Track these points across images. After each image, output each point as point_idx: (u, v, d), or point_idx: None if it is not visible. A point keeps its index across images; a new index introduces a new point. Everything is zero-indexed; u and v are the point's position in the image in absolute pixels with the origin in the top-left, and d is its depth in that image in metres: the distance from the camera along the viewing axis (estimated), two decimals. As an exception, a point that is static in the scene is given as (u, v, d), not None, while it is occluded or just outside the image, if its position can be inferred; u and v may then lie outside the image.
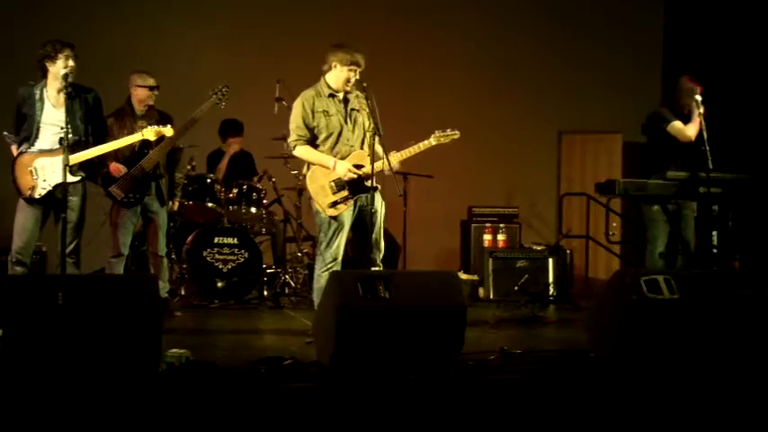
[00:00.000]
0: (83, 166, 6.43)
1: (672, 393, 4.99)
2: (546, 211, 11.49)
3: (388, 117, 6.21)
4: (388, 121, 6.20)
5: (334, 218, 6.23)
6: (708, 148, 6.75)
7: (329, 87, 6.28)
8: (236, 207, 8.43)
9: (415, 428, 4.65)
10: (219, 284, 8.15)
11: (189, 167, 8.37)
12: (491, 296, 8.81)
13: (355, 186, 6.22)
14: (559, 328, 7.32)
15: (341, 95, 6.30)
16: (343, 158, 6.24)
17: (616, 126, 11.27)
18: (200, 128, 7.45)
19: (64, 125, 6.13)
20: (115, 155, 6.98)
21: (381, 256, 6.31)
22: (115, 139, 6.72)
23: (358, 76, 6.22)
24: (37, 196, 6.36)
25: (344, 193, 6.22)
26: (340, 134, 6.27)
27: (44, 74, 6.41)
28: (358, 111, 6.31)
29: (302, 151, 6.29)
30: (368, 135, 6.26)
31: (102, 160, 6.85)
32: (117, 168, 7.06)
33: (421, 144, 6.32)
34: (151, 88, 7.29)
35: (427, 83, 10.86)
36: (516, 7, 11.36)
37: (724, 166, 7.07)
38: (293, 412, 4.59)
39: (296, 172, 8.51)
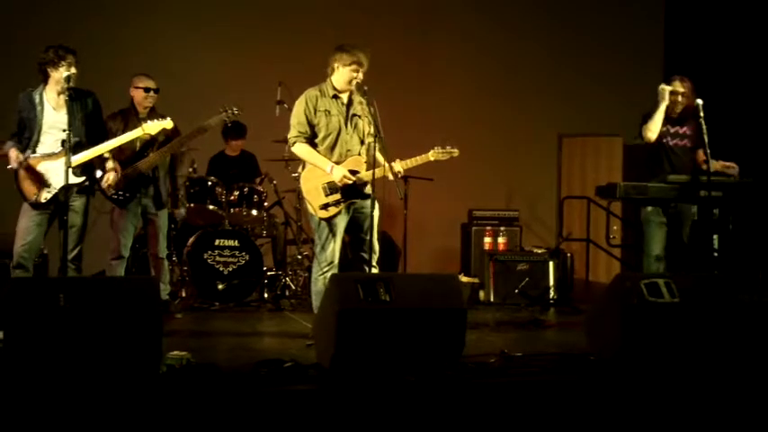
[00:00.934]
0: (84, 170, 6.44)
1: (672, 397, 4.99)
2: (546, 215, 11.49)
3: (387, 120, 6.21)
4: (387, 123, 6.21)
5: (327, 221, 6.25)
6: (708, 150, 6.75)
7: (333, 89, 6.28)
8: (237, 209, 8.44)
9: (415, 431, 4.66)
10: (220, 287, 8.15)
11: (190, 170, 8.38)
12: (491, 299, 8.80)
13: (349, 191, 6.23)
14: (560, 332, 7.33)
15: (344, 98, 6.30)
16: (339, 161, 6.25)
17: (616, 129, 11.27)
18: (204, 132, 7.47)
19: (65, 127, 6.13)
20: (117, 157, 6.99)
21: (377, 258, 6.29)
22: None
23: (361, 76, 6.21)
24: (42, 200, 6.37)
25: (337, 196, 6.23)
26: (338, 135, 6.27)
27: (45, 78, 6.41)
28: (360, 116, 6.31)
29: (301, 149, 6.29)
30: (368, 141, 6.27)
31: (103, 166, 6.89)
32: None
33: (419, 158, 6.35)
34: (147, 90, 7.27)
35: (427, 86, 10.87)
36: (517, 11, 11.38)
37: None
38: (294, 414, 4.60)
39: (296, 174, 8.50)
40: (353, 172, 6.22)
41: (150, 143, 7.20)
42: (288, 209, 9.05)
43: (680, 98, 7.09)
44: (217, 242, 8.21)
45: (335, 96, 6.28)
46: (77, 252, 6.47)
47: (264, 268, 8.45)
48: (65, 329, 4.68)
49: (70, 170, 6.05)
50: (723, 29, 10.61)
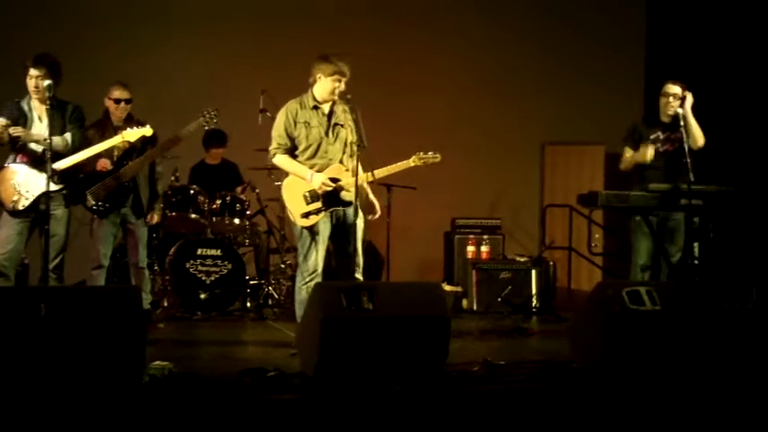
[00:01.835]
0: (63, 178, 6.42)
1: (654, 404, 5.01)
2: (529, 223, 11.52)
3: (371, 127, 6.22)
4: (370, 131, 6.22)
5: (309, 229, 6.24)
6: (689, 159, 6.78)
7: (314, 99, 6.29)
8: (219, 218, 8.41)
9: (399, 440, 4.66)
10: (202, 296, 8.12)
11: (173, 179, 8.36)
12: (474, 307, 8.82)
13: (330, 199, 6.23)
14: (542, 340, 7.34)
15: (326, 108, 6.31)
16: (320, 171, 6.25)
17: (599, 137, 11.32)
18: (184, 140, 7.44)
19: (47, 137, 6.13)
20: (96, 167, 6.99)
21: (361, 267, 6.30)
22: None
23: (344, 86, 6.23)
24: (21, 208, 6.35)
25: (318, 204, 6.23)
26: (319, 146, 6.28)
27: (25, 74, 6.46)
28: (342, 125, 6.31)
29: (281, 160, 6.32)
30: (350, 149, 6.27)
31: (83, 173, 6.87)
32: (104, 165, 7.03)
33: (401, 164, 6.33)
34: (117, 101, 7.23)
35: (410, 94, 10.87)
36: (500, 20, 11.40)
37: (707, 178, 7.12)
38: (277, 424, 4.60)
39: (279, 183, 8.49)
40: (334, 180, 6.22)
41: (129, 152, 7.17)
42: (271, 217, 9.03)
43: (671, 99, 7.11)
44: (199, 251, 8.19)
45: (316, 107, 6.29)
46: (59, 261, 6.45)
47: (247, 277, 8.43)
48: (46, 339, 4.65)
49: (47, 178, 6.05)
50: (705, 40, 10.67)
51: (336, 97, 6.26)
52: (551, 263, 9.29)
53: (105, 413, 4.41)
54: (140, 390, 4.74)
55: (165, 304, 8.22)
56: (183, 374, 5.02)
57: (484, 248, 9.37)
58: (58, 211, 6.42)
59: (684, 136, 6.86)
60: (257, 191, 8.86)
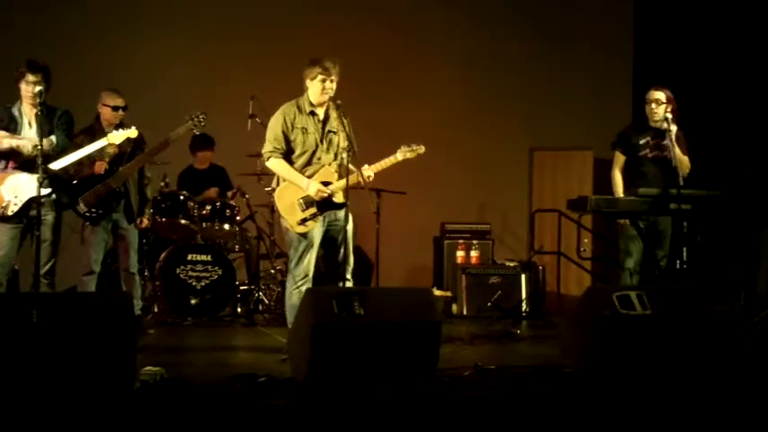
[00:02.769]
0: (52, 183, 6.40)
1: (645, 407, 5.03)
2: (518, 228, 11.55)
3: (358, 133, 6.25)
4: (358, 137, 6.26)
5: (304, 235, 6.26)
6: (676, 164, 6.81)
7: (310, 104, 6.31)
8: (209, 224, 8.40)
9: (390, 445, 4.67)
10: (193, 301, 8.12)
11: (162, 184, 8.35)
12: (464, 312, 8.83)
13: (323, 204, 6.27)
14: (532, 344, 7.36)
15: (321, 114, 6.34)
16: (311, 176, 6.28)
17: (587, 143, 11.36)
18: (172, 145, 7.44)
19: (37, 142, 6.12)
20: (86, 173, 6.97)
21: (351, 270, 6.34)
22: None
23: (333, 85, 6.24)
24: (10, 213, 6.34)
25: (313, 210, 6.26)
26: (313, 153, 6.31)
27: (17, 84, 6.44)
28: (335, 132, 6.34)
29: (276, 164, 6.30)
30: (341, 155, 6.29)
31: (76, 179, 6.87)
32: (101, 167, 7.02)
33: (387, 160, 6.36)
34: (115, 108, 7.22)
35: (399, 100, 10.89)
36: (488, 26, 11.44)
37: (695, 182, 7.16)
38: (268, 429, 4.59)
39: (269, 189, 8.48)
40: (325, 184, 6.25)
41: (119, 159, 7.16)
42: (260, 223, 9.03)
43: (653, 106, 7.14)
44: (189, 257, 8.19)
45: (312, 113, 6.32)
46: (50, 267, 6.44)
47: (237, 283, 8.44)
48: (37, 345, 4.65)
49: (38, 183, 6.05)
50: (693, 44, 10.72)
51: (328, 97, 6.25)
52: (540, 267, 9.32)
53: (97, 419, 4.40)
54: (131, 395, 4.74)
55: (156, 310, 8.22)
56: (174, 380, 5.01)
57: (473, 253, 9.39)
58: (48, 216, 6.41)
59: (672, 141, 6.90)
60: (247, 196, 8.86)
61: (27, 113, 6.46)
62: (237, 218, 8.63)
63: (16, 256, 6.66)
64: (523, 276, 8.97)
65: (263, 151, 6.39)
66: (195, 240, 8.30)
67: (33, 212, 6.17)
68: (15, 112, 6.47)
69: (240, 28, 10.60)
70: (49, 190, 6.35)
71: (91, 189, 7.04)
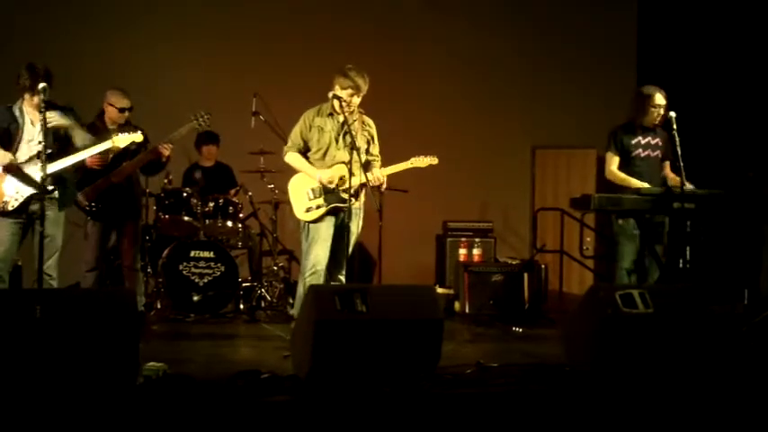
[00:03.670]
0: (54, 181, 6.39)
1: (647, 406, 5.03)
2: (520, 226, 11.55)
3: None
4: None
5: (311, 225, 6.57)
6: (681, 163, 6.82)
7: (332, 108, 6.61)
8: (212, 221, 8.41)
9: (392, 442, 4.68)
10: (195, 298, 8.13)
11: (165, 181, 8.36)
12: (466, 310, 8.81)
13: (330, 197, 6.56)
14: (534, 342, 7.35)
15: (341, 117, 6.57)
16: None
17: (589, 141, 11.34)
18: (177, 143, 7.45)
19: (41, 140, 6.12)
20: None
21: (344, 268, 6.62)
22: None
23: (359, 99, 6.56)
24: (10, 209, 6.34)
25: (320, 201, 6.56)
26: (328, 149, 6.63)
27: (22, 93, 6.40)
28: (353, 134, 6.46)
29: (292, 158, 6.70)
30: (358, 153, 6.40)
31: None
32: (93, 160, 7.02)
33: (401, 164, 6.71)
34: (121, 110, 7.24)
35: (400, 98, 10.86)
36: (490, 24, 11.43)
37: (698, 180, 7.17)
38: (270, 426, 4.60)
39: (272, 186, 8.53)
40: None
41: (123, 154, 7.17)
42: (263, 220, 9.04)
43: (662, 111, 7.14)
44: (192, 253, 8.19)
45: (331, 114, 6.63)
46: (52, 262, 6.43)
47: (240, 279, 8.44)
48: (41, 342, 4.66)
49: (43, 181, 6.04)
50: (696, 41, 10.71)
51: (352, 110, 6.55)
52: (543, 266, 9.31)
53: (100, 414, 4.41)
54: (134, 391, 4.74)
55: (158, 306, 8.22)
56: (177, 376, 5.02)
57: (476, 251, 9.37)
58: (51, 212, 6.39)
59: (676, 140, 6.90)
60: (250, 193, 8.87)
61: (29, 112, 6.43)
62: (240, 215, 8.63)
63: (18, 252, 6.66)
64: (526, 275, 8.94)
65: (284, 148, 6.76)
66: (198, 237, 8.31)
67: (33, 208, 6.19)
68: (16, 111, 6.42)
69: (244, 26, 10.60)
70: (51, 187, 6.35)
71: (92, 183, 7.06)
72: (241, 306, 8.44)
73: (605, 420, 4.93)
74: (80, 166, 6.89)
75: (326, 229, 6.55)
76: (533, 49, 11.49)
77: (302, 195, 6.63)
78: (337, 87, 6.52)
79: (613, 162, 7.30)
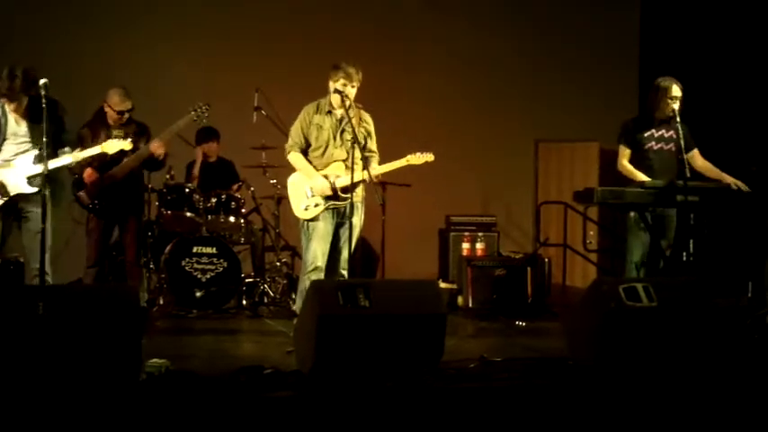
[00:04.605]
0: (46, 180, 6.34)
1: (651, 400, 5.02)
2: (523, 220, 11.53)
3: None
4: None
5: (310, 223, 6.57)
6: (685, 156, 6.80)
7: (330, 105, 6.63)
8: (214, 216, 8.39)
9: (395, 437, 4.67)
10: (198, 294, 8.11)
11: (167, 176, 8.33)
12: (470, 305, 8.80)
13: (329, 196, 6.57)
14: (538, 337, 7.34)
15: (338, 113, 6.61)
16: (322, 169, 6.62)
17: (592, 134, 11.34)
18: (179, 137, 7.44)
19: (27, 138, 6.12)
20: (90, 162, 6.99)
21: (346, 263, 6.59)
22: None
23: (353, 90, 6.53)
24: None
25: (318, 199, 6.58)
26: (326, 147, 6.63)
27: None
28: (350, 130, 6.49)
29: (293, 158, 6.70)
30: (360, 148, 6.44)
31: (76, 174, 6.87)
32: (90, 174, 7.05)
33: (395, 162, 6.67)
34: (120, 113, 7.22)
35: (403, 93, 10.86)
36: (492, 17, 11.41)
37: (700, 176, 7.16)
38: (274, 421, 4.60)
39: (274, 181, 8.51)
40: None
41: (124, 151, 7.16)
42: (266, 215, 9.02)
43: (677, 103, 7.09)
44: (194, 249, 8.17)
45: (330, 112, 6.63)
46: (48, 256, 6.35)
47: (242, 275, 8.42)
48: (44, 338, 4.66)
49: (26, 181, 6.18)
50: (699, 34, 10.69)
51: (348, 102, 6.49)
52: (546, 260, 9.29)
53: (103, 411, 4.41)
54: (137, 387, 4.74)
55: (161, 302, 8.21)
56: (180, 372, 5.02)
57: (479, 246, 9.37)
58: (35, 209, 6.29)
59: (680, 133, 6.88)
60: (252, 189, 8.85)
61: (12, 110, 6.35)
62: (243, 210, 8.61)
63: (5, 247, 6.62)
64: (529, 269, 8.93)
65: (286, 145, 6.75)
66: (200, 233, 8.29)
67: (22, 204, 6.21)
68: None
69: (245, 20, 10.58)
70: (36, 189, 6.27)
71: (91, 182, 7.05)
72: (244, 302, 8.42)
73: (609, 414, 4.92)
74: (77, 172, 6.91)
75: (325, 226, 6.57)
76: (534, 47, 11.45)
77: (301, 193, 6.64)
78: (331, 83, 6.52)
79: (624, 155, 7.26)
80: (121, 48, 10.06)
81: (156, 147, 7.15)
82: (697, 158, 7.27)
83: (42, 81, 6.12)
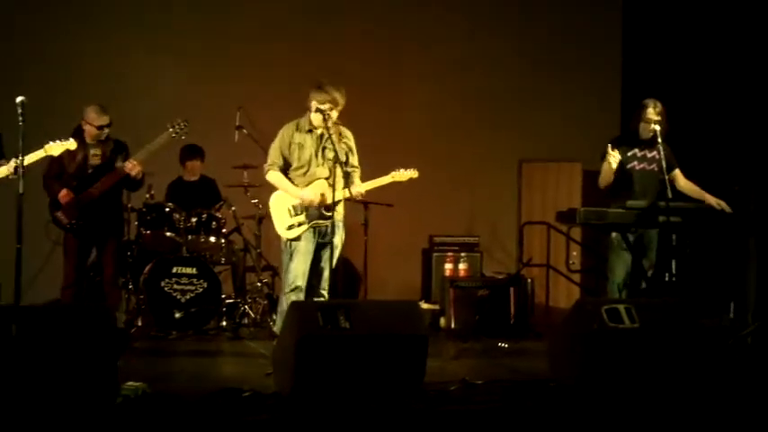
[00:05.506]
0: None
1: (633, 422, 4.99)
2: (507, 240, 11.50)
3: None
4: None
5: (292, 242, 6.52)
6: (667, 176, 6.80)
7: (310, 124, 6.57)
8: (195, 236, 8.32)
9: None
10: (177, 315, 8.03)
11: (147, 196, 8.27)
12: (452, 325, 8.75)
13: (312, 213, 6.52)
14: (520, 358, 7.29)
15: (319, 132, 6.56)
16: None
17: (575, 155, 11.34)
18: (160, 156, 7.39)
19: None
20: (67, 181, 6.94)
21: (327, 284, 6.55)
22: (67, 168, 6.73)
23: (337, 113, 6.48)
24: None
25: (301, 218, 6.53)
26: (309, 166, 6.58)
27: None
28: (330, 148, 6.47)
29: (273, 177, 6.64)
30: (336, 168, 6.45)
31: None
32: (65, 195, 7.00)
33: (380, 179, 6.65)
34: (100, 128, 7.17)
35: (387, 112, 10.85)
36: (476, 37, 11.42)
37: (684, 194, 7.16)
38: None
39: (256, 201, 8.45)
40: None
41: (102, 169, 7.12)
42: (247, 235, 8.96)
43: (654, 125, 7.07)
44: (174, 270, 8.10)
45: (310, 131, 6.59)
46: None
47: (223, 296, 8.36)
48: (17, 359, 4.59)
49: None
50: (682, 54, 10.72)
51: (330, 124, 6.42)
52: (529, 280, 9.25)
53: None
54: (113, 411, 4.67)
55: (140, 324, 8.13)
56: (157, 395, 4.96)
57: (462, 266, 9.32)
58: None
59: (662, 153, 6.88)
60: (233, 208, 8.79)
61: None
62: (224, 230, 8.55)
63: None
64: (512, 289, 8.90)
65: (264, 165, 6.71)
66: (180, 253, 8.22)
67: None
68: None
69: (228, 39, 10.55)
70: None
71: (68, 201, 6.99)
72: (224, 323, 8.35)
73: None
74: (51, 196, 6.88)
75: (306, 245, 6.51)
76: (519, 63, 11.48)
77: (283, 212, 6.59)
78: (314, 103, 6.47)
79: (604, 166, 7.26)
80: (105, 63, 10.01)
81: (131, 167, 7.08)
82: (679, 178, 7.27)
83: (19, 99, 6.06)
